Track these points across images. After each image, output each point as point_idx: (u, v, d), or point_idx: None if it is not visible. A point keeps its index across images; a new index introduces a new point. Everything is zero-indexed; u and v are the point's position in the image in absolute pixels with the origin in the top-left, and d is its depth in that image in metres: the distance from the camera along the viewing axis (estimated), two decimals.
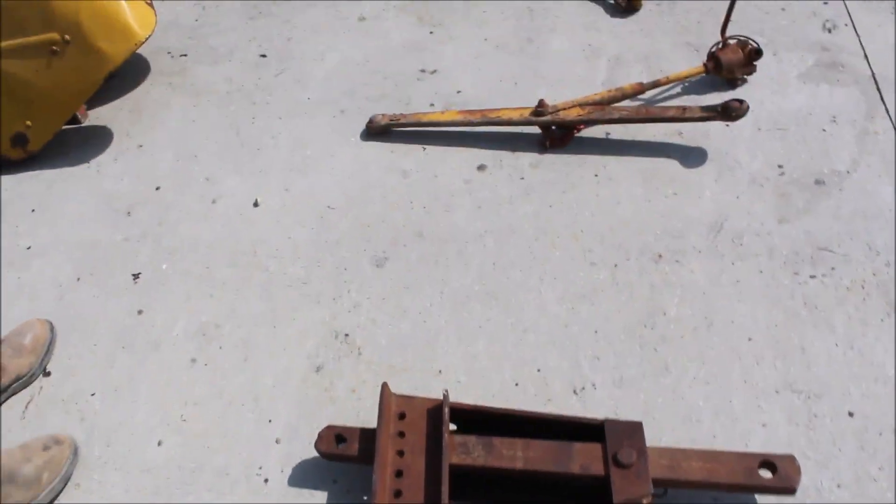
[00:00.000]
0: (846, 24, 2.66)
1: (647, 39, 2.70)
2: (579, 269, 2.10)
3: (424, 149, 2.48)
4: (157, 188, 2.43)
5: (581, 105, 2.39)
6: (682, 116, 2.31)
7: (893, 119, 2.36)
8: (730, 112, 2.25)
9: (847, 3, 2.73)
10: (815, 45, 2.61)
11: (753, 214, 2.18)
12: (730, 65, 2.44)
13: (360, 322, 2.02)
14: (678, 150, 2.36)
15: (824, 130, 2.37)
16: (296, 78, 2.77)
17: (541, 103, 2.36)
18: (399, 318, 2.01)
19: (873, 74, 2.49)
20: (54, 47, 2.37)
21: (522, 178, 2.35)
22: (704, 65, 2.46)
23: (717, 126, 2.36)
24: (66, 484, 1.75)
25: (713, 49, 2.47)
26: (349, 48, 2.85)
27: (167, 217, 2.33)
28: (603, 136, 2.44)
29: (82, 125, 2.66)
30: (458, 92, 2.62)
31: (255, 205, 2.36)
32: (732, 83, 2.50)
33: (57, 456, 1.72)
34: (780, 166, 2.29)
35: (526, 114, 2.39)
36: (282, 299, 2.08)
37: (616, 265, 2.11)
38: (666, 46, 2.67)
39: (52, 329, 2.02)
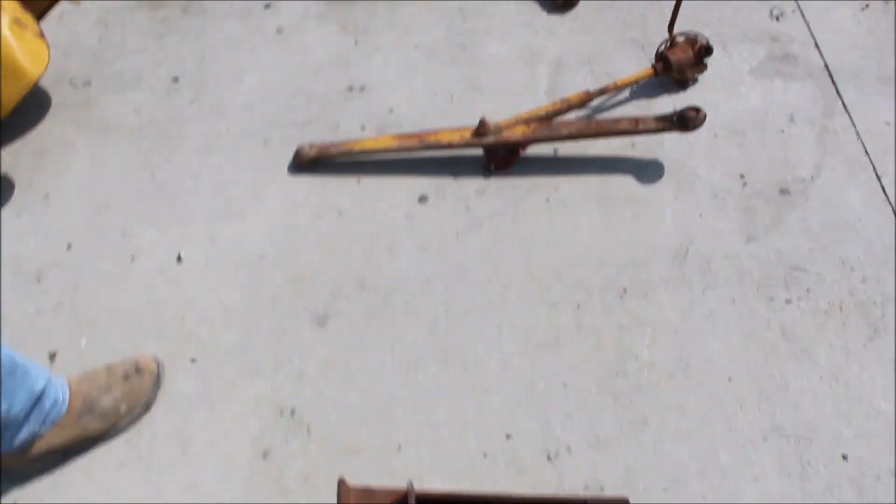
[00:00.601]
0: (793, 11, 2.47)
1: (589, 38, 2.47)
2: (539, 313, 1.89)
3: (359, 181, 2.23)
4: (69, 246, 2.14)
5: (526, 121, 2.15)
6: (635, 129, 2.10)
7: (851, 115, 2.17)
8: (686, 123, 2.05)
9: None
10: (765, 35, 2.41)
11: (719, 234, 1.99)
12: (680, 65, 2.23)
13: (305, 395, 1.79)
14: (632, 164, 2.15)
15: (783, 132, 2.18)
16: (212, 105, 2.48)
17: (482, 123, 2.12)
18: (348, 387, 1.79)
19: (826, 66, 2.31)
20: None
21: (468, 209, 2.12)
22: (653, 66, 2.25)
23: (672, 134, 2.15)
24: (146, 411, 1.76)
25: (661, 48, 2.25)
26: (269, 66, 2.56)
27: (82, 282, 2.05)
28: (551, 152, 2.22)
29: None
30: (391, 111, 2.36)
31: (179, 260, 2.10)
32: (683, 83, 2.29)
33: (136, 386, 1.72)
34: (741, 176, 2.10)
35: (467, 135, 2.15)
36: (217, 374, 1.84)
37: (579, 305, 1.91)
38: (609, 45, 2.44)
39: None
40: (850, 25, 2.41)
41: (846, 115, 2.20)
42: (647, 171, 2.14)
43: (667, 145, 2.18)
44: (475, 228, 2.08)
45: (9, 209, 2.26)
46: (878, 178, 2.07)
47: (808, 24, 2.42)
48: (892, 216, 2.00)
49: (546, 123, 2.15)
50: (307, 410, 1.77)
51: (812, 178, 2.09)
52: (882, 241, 1.94)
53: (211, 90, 2.52)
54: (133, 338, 1.92)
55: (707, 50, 2.24)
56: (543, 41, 2.49)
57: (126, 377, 1.69)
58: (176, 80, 2.57)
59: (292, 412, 1.77)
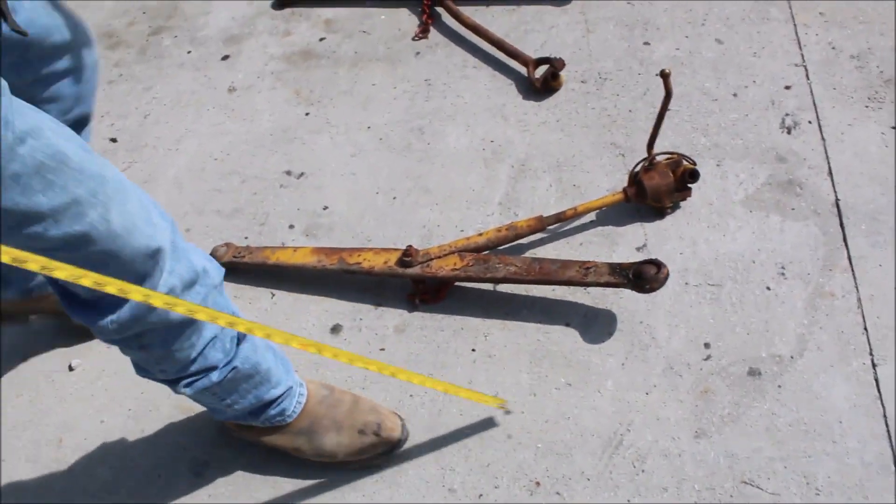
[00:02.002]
0: (810, 122, 1.96)
1: (563, 136, 2.02)
2: (436, 499, 1.53)
3: (273, 295, 1.88)
4: None
5: (460, 252, 1.75)
6: (582, 281, 1.69)
7: (856, 274, 1.70)
8: (642, 283, 1.64)
9: (813, 86, 2.00)
10: (770, 152, 1.92)
11: (664, 423, 1.58)
12: (657, 192, 1.79)
13: None
14: (580, 312, 1.75)
15: (768, 289, 1.72)
16: (143, 177, 2.16)
17: (408, 251, 1.74)
18: None
19: (837, 201, 1.82)
20: None
21: (383, 350, 1.76)
22: (625, 190, 1.80)
23: None
24: (360, 468, 1.62)
25: (636, 169, 1.80)
26: (210, 133, 2.22)
27: None
28: (489, 287, 1.80)
29: None
30: (325, 208, 1.99)
31: (70, 369, 1.80)
32: (660, 211, 1.83)
33: (364, 447, 1.59)
34: (706, 346, 1.66)
35: (392, 261, 1.78)
36: None
37: (480, 496, 1.53)
38: (585, 147, 2.00)
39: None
40: (874, 148, 1.90)
41: (850, 273, 1.73)
42: (596, 324, 1.73)
43: (626, 292, 1.75)
44: (384, 378, 1.71)
45: None
46: (874, 367, 1.61)
47: (824, 142, 1.92)
48: (883, 424, 1.54)
49: (483, 259, 1.74)
50: None
51: (792, 357, 1.64)
52: (862, 459, 1.50)
53: (146, 157, 2.20)
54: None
55: (692, 175, 1.78)
56: (511, 134, 2.07)
57: (362, 432, 1.55)
58: (114, 140, 2.25)
59: None
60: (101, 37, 2.52)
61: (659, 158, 1.84)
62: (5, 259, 0.76)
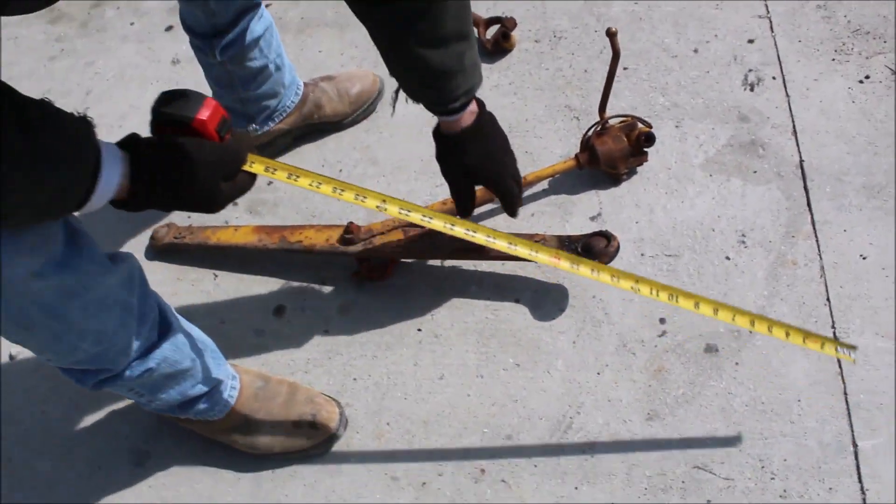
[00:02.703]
0: (774, 78, 1.80)
1: (516, 99, 1.87)
2: (374, 489, 1.43)
3: (216, 276, 1.75)
4: None
5: (404, 228, 1.61)
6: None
7: (819, 240, 1.56)
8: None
9: (777, 39, 1.84)
10: (732, 111, 1.77)
11: (615, 405, 1.46)
12: (610, 158, 1.65)
13: None
14: (531, 287, 1.63)
15: (728, 259, 1.59)
16: None
17: (349, 228, 1.61)
18: None
19: (801, 162, 1.67)
20: None
21: (326, 332, 1.64)
22: (577, 157, 1.66)
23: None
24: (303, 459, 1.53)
25: (588, 134, 1.66)
26: None
27: None
28: (437, 263, 1.67)
29: None
30: (270, 184, 1.87)
31: (11, 358, 1.70)
32: (616, 177, 1.69)
33: (301, 442, 1.50)
34: (661, 321, 1.54)
35: (334, 238, 1.65)
36: None
37: (424, 484, 1.43)
38: (539, 110, 1.85)
39: (381, 88, 1.95)
40: (841, 104, 1.74)
41: (813, 240, 1.59)
42: (547, 300, 1.60)
43: None
44: (327, 360, 1.61)
45: None
46: (836, 339, 1.47)
47: (788, 99, 1.77)
48: (843, 401, 1.41)
49: (428, 232, 1.61)
50: None
51: (751, 332, 1.51)
52: (820, 441, 1.39)
53: None
54: None
55: (647, 139, 1.63)
56: None
57: (298, 424, 1.46)
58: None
59: None
60: (43, 11, 2.35)
61: (612, 122, 1.69)
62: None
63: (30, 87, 2.09)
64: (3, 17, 1.10)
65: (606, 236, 1.52)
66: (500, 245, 1.17)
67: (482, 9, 2.04)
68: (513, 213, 1.42)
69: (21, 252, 0.91)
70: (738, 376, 1.48)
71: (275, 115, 1.80)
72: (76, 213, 0.93)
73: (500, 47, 1.95)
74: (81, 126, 0.87)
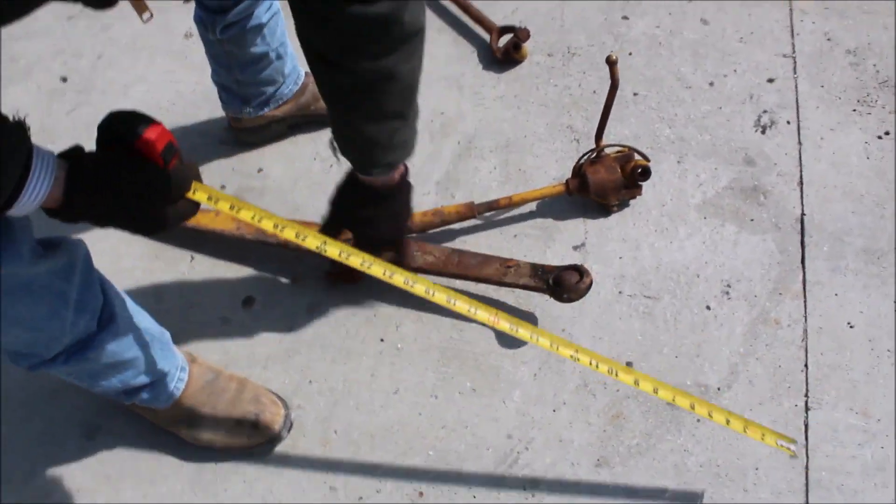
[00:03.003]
0: (788, 122, 1.70)
1: (518, 113, 1.80)
2: (313, 498, 1.40)
3: (192, 258, 1.72)
4: None
5: None
6: (500, 280, 1.50)
7: (807, 302, 1.47)
8: (561, 292, 1.45)
9: (798, 81, 1.74)
10: (739, 152, 1.68)
11: (566, 446, 1.40)
12: (601, 188, 1.58)
13: None
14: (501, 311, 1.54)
15: (708, 309, 1.51)
16: (87, 121, 2.01)
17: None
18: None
19: (802, 216, 1.58)
20: None
21: (291, 331, 1.60)
22: (567, 182, 1.59)
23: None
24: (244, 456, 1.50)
25: (581, 161, 1.59)
26: (160, 81, 2.04)
27: None
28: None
29: None
30: (260, 171, 1.83)
31: None
32: (606, 208, 1.62)
33: (241, 440, 1.48)
34: (628, 365, 1.46)
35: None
36: None
37: (361, 498, 1.40)
38: (539, 128, 1.78)
39: None
40: (855, 159, 1.64)
41: (801, 300, 1.50)
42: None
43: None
44: (287, 358, 1.57)
45: None
46: (807, 411, 1.40)
47: (800, 146, 1.67)
48: (803, 476, 1.34)
49: (400, 241, 1.56)
50: None
51: (719, 388, 1.43)
52: None
53: (94, 101, 2.04)
54: None
55: (643, 173, 1.56)
56: (464, 107, 1.85)
57: (240, 423, 1.44)
58: (65, 79, 2.10)
59: None
60: None
61: (609, 150, 1.61)
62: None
63: (45, 48, 2.10)
64: None
65: (580, 271, 1.45)
66: (439, 298, 1.11)
67: (499, 14, 1.97)
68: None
69: None
70: (698, 434, 1.41)
71: (271, 102, 1.76)
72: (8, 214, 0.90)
73: (510, 57, 1.88)
74: (15, 132, 0.83)
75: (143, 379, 1.34)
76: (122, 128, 0.94)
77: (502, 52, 1.88)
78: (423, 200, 1.72)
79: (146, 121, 0.94)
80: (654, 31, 1.89)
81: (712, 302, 1.53)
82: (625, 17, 1.93)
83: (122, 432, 1.54)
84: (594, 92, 1.83)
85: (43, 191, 0.87)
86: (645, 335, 1.51)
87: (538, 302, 1.57)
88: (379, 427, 1.48)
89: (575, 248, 1.62)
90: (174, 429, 1.46)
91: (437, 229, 1.65)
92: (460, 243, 1.64)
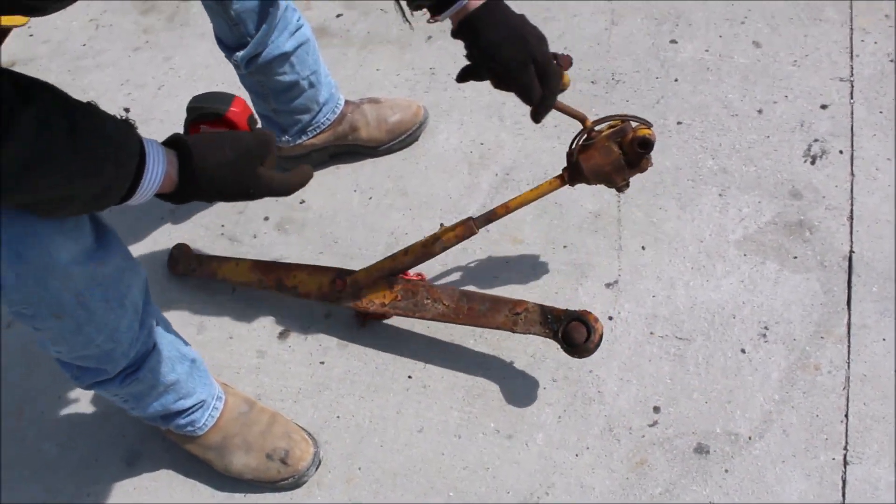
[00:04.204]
0: (841, 152, 1.63)
1: (558, 144, 1.80)
2: None
3: (234, 290, 1.79)
4: None
5: (389, 280, 1.58)
6: (512, 329, 1.49)
7: (850, 348, 1.41)
8: (569, 349, 1.43)
9: (855, 108, 1.65)
10: (786, 184, 1.62)
11: (587, 492, 1.40)
12: (599, 173, 1.42)
13: None
14: (528, 351, 1.60)
15: (743, 352, 1.46)
16: None
17: (336, 281, 1.61)
18: None
19: (851, 254, 1.51)
20: None
21: (322, 364, 1.65)
22: (563, 173, 1.48)
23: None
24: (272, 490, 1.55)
25: (573, 146, 1.46)
26: None
27: None
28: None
29: None
30: (302, 202, 1.88)
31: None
32: (618, 189, 1.49)
33: (271, 474, 1.52)
34: (656, 410, 1.44)
35: (325, 284, 1.64)
36: None
37: None
38: None
39: (424, 119, 1.90)
40: None
41: (844, 345, 1.43)
42: (542, 367, 1.56)
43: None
44: (317, 392, 1.62)
45: None
46: (845, 465, 1.34)
47: (852, 178, 1.60)
48: None
49: (413, 289, 1.58)
50: None
51: (750, 438, 1.39)
52: None
53: (152, 131, 2.13)
54: None
55: (642, 144, 1.38)
56: (504, 137, 1.85)
57: (270, 457, 1.48)
58: (127, 110, 2.21)
59: None
60: (137, 1, 2.47)
61: (601, 128, 1.44)
62: None
63: (112, 77, 2.22)
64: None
65: (588, 327, 1.41)
66: None
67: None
68: (536, 116, 1.29)
69: (66, 237, 1.00)
70: (725, 485, 1.36)
71: (308, 130, 1.80)
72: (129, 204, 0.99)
73: None
74: (123, 128, 0.94)
75: (182, 404, 1.41)
76: (211, 106, 1.07)
77: None
78: None
79: (229, 96, 1.08)
80: (702, 55, 1.83)
81: (748, 345, 1.47)
82: (673, 41, 1.88)
83: (161, 461, 1.61)
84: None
85: (159, 177, 0.97)
86: (675, 378, 1.47)
87: None
88: (402, 466, 1.50)
89: (608, 285, 1.60)
90: (206, 457, 1.52)
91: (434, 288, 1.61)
92: (492, 279, 1.64)
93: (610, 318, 1.55)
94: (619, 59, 1.89)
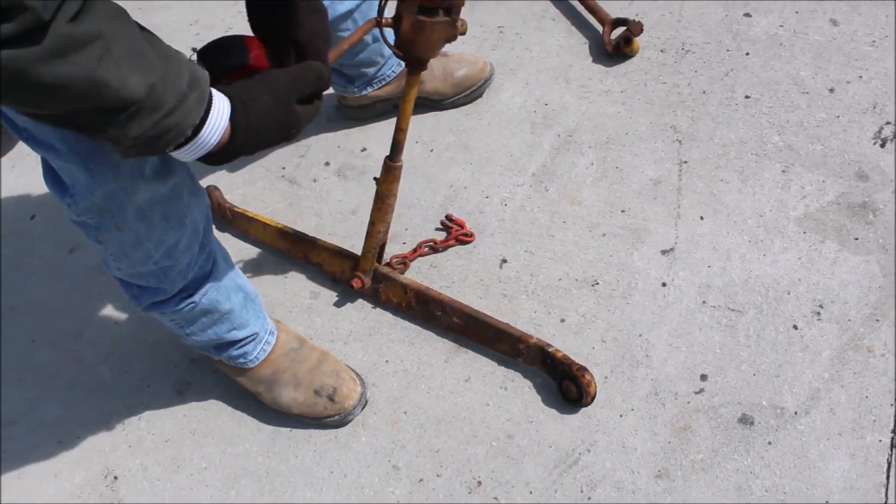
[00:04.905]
0: None
1: (623, 109, 1.80)
2: (375, 474, 1.48)
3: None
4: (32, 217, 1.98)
5: (403, 285, 1.65)
6: (516, 354, 1.55)
7: None
8: (564, 388, 1.48)
9: None
10: (852, 165, 1.61)
11: (629, 452, 1.42)
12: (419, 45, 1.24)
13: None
14: (580, 310, 1.62)
15: (795, 328, 1.47)
16: None
17: (354, 281, 1.67)
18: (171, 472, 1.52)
19: None
20: None
21: (374, 308, 1.70)
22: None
23: (637, 278, 1.54)
24: (319, 426, 1.59)
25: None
26: None
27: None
28: (493, 265, 1.67)
29: None
30: (363, 150, 1.91)
31: None
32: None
33: (318, 409, 1.56)
34: (703, 378, 1.46)
35: (347, 270, 1.69)
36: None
37: (421, 481, 1.46)
38: (642, 126, 1.76)
39: (490, 75, 1.92)
40: None
41: None
42: (593, 327, 1.59)
43: (636, 297, 1.56)
44: (368, 336, 1.69)
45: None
46: (892, 448, 1.35)
47: None
48: None
49: (426, 297, 1.63)
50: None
51: (796, 413, 1.40)
52: None
53: None
54: None
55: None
56: (568, 99, 1.86)
57: (318, 393, 1.53)
58: (195, 50, 2.24)
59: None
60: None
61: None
62: None
63: (180, 15, 2.26)
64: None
65: (579, 387, 1.44)
66: None
67: (616, 7, 1.95)
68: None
69: None
70: (767, 457, 1.38)
71: (374, 82, 1.83)
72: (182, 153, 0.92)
73: (620, 51, 1.86)
74: (196, 69, 0.88)
75: (235, 334, 1.45)
76: (230, 59, 0.99)
77: (613, 45, 1.86)
78: (517, 191, 1.74)
79: (240, 41, 1.00)
80: (776, 30, 1.82)
81: (800, 322, 1.48)
82: (747, 15, 1.87)
83: (210, 390, 1.67)
84: (703, 92, 1.79)
85: (226, 117, 0.91)
86: (724, 348, 1.48)
87: (618, 302, 1.57)
88: (447, 412, 1.53)
89: (663, 252, 1.61)
90: (255, 389, 1.57)
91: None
92: (548, 238, 1.66)
93: (663, 285, 1.56)
94: (690, 29, 1.88)
